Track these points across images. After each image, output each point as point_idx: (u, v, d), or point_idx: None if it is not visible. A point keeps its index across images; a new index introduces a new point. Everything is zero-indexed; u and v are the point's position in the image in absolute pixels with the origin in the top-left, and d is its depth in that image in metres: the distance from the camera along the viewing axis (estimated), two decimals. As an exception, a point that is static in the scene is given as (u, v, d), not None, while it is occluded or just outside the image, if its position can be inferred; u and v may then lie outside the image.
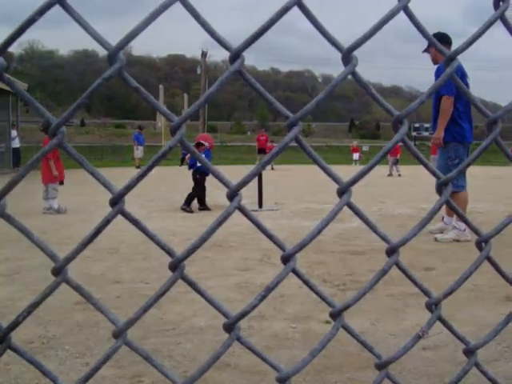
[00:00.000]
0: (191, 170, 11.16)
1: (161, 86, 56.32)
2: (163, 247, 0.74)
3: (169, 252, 0.74)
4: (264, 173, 10.54)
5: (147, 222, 8.57)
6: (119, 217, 0.75)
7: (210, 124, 71.01)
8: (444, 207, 7.12)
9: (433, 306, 0.91)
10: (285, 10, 0.69)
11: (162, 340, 3.38)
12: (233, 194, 0.72)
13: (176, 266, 0.74)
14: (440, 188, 0.88)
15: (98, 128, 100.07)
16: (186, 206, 10.64)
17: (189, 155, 12.37)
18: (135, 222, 0.72)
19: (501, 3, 0.84)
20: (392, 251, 0.85)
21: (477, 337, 3.43)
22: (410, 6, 0.80)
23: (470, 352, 0.97)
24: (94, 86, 0.65)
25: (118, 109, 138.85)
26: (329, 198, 12.50)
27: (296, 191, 15.15)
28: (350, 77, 0.78)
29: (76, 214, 9.96)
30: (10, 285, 4.75)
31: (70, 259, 0.69)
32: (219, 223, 0.73)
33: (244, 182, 0.73)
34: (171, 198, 13.15)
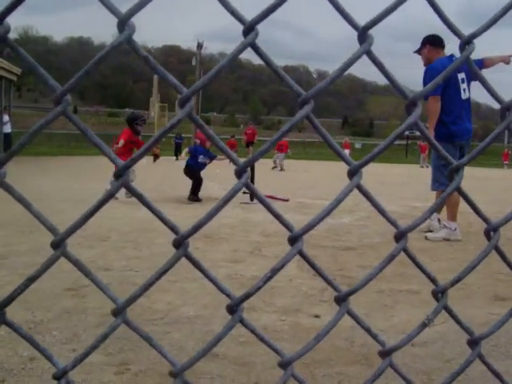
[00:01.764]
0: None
1: (155, 77, 56.23)
2: (167, 223, 0.72)
3: (172, 228, 0.72)
4: (258, 168, 10.51)
5: (137, 211, 8.56)
6: (110, 205, 0.73)
7: (203, 116, 70.91)
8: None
9: (439, 294, 0.89)
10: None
11: (151, 329, 3.36)
12: (241, 171, 0.70)
13: (180, 243, 0.72)
14: (451, 174, 0.86)
15: (90, 116, 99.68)
16: (194, 196, 10.75)
17: (187, 149, 12.45)
18: (139, 196, 0.70)
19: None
20: (401, 236, 0.84)
21: (467, 335, 3.43)
22: (410, 8, 0.78)
23: (474, 342, 0.96)
24: (102, 54, 0.63)
25: (112, 97, 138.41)
26: (320, 193, 12.51)
27: (288, 186, 15.14)
28: (345, 73, 0.76)
29: (67, 201, 9.91)
30: (-2, 269, 4.72)
31: (70, 232, 0.67)
32: (226, 201, 0.71)
33: (253, 160, 0.71)
34: (161, 188, 13.13)
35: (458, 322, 0.92)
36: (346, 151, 47.78)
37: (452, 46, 7.87)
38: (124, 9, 0.65)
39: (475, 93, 7.66)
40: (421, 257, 3.86)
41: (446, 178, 6.91)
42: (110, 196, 0.66)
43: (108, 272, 4.70)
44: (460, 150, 7.21)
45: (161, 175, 17.77)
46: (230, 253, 5.75)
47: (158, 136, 0.66)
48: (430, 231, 7.22)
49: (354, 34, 0.75)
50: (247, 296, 0.75)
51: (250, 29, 0.67)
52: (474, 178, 21.32)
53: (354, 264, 5.34)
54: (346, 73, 0.77)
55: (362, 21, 0.74)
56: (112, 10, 0.63)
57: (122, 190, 10.22)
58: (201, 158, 11.43)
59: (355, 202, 10.63)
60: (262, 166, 22.35)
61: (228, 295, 0.77)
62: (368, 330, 0.85)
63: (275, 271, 0.75)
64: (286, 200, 11.33)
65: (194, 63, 50.73)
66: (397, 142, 60.47)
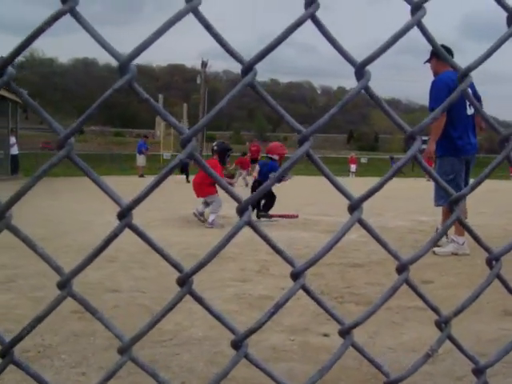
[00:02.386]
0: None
1: (160, 96, 56.53)
2: (171, 261, 0.73)
3: (176, 266, 0.73)
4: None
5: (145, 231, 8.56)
6: (114, 222, 0.74)
7: (208, 134, 71.06)
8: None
9: (442, 324, 0.90)
10: (298, 24, 0.68)
11: (160, 350, 3.36)
12: (243, 209, 0.71)
13: (184, 281, 0.73)
14: (451, 205, 0.87)
15: (96, 136, 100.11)
16: (265, 212, 10.56)
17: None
18: (143, 236, 0.71)
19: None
20: (403, 268, 0.84)
21: (476, 352, 3.39)
22: (395, 18, 0.80)
23: (479, 371, 0.96)
24: (104, 97, 0.64)
25: (118, 117, 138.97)
26: (326, 209, 12.48)
27: (293, 202, 15.11)
28: (348, 88, 0.78)
29: (73, 222, 9.93)
30: (6, 292, 4.72)
31: (75, 273, 0.68)
32: (229, 238, 0.72)
33: (254, 198, 0.72)
34: (168, 207, 13.14)
35: (463, 351, 0.92)
36: (353, 166, 47.83)
37: (458, 58, 7.85)
38: (131, 27, 0.66)
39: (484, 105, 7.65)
40: (429, 272, 3.85)
41: (456, 191, 6.88)
42: (114, 236, 0.67)
43: (116, 294, 4.70)
44: (466, 165, 7.20)
45: (167, 194, 17.81)
46: (237, 272, 5.74)
47: (160, 177, 0.67)
48: (438, 246, 7.19)
49: (359, 50, 0.76)
50: (251, 332, 0.76)
51: (248, 69, 0.69)
52: (482, 191, 21.28)
53: (361, 281, 5.33)
54: (348, 87, 0.78)
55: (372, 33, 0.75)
56: (113, 53, 0.64)
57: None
58: (272, 174, 10.90)
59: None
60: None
61: (232, 330, 0.78)
62: (372, 361, 0.85)
63: (278, 307, 0.76)
64: (296, 216, 11.27)
65: (198, 82, 50.97)
66: (402, 155, 60.34)
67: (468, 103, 7.08)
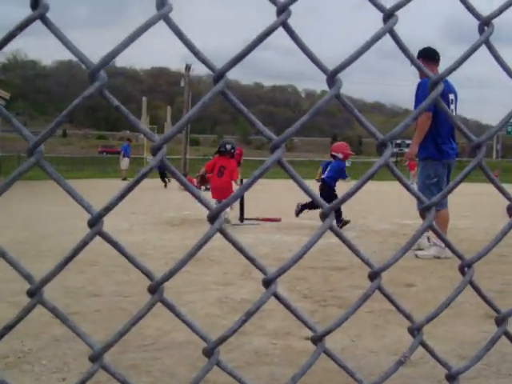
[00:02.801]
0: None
1: (144, 99, 56.40)
2: (142, 269, 0.72)
3: (147, 274, 0.73)
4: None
5: (128, 236, 8.54)
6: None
7: (192, 137, 70.99)
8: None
9: (415, 331, 0.90)
10: (270, 31, 0.68)
11: (141, 355, 3.34)
12: (214, 216, 0.71)
13: (155, 289, 0.73)
14: (424, 212, 0.87)
15: (79, 139, 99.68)
16: (339, 223, 10.14)
17: None
18: (114, 244, 0.70)
19: (485, 28, 0.84)
20: (375, 276, 0.84)
21: (458, 354, 3.43)
22: (396, 26, 0.80)
23: (451, 377, 0.96)
24: (73, 105, 0.64)
25: (101, 120, 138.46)
26: (309, 212, 12.50)
27: (276, 206, 15.12)
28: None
29: (56, 225, 9.88)
30: (-14, 297, 4.69)
31: (45, 281, 0.68)
32: (199, 247, 0.72)
33: (225, 205, 0.72)
34: (153, 210, 13.11)
35: (435, 357, 0.93)
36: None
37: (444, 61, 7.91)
38: (113, 29, 0.65)
39: (462, 108, 7.74)
40: (411, 275, 3.87)
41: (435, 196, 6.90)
42: (84, 244, 0.66)
43: (97, 298, 4.68)
44: (447, 168, 7.25)
45: (152, 197, 17.75)
46: (220, 275, 5.73)
47: (132, 184, 0.67)
48: (420, 249, 7.22)
49: (341, 53, 0.76)
50: (223, 340, 0.76)
51: (219, 76, 0.69)
52: (467, 194, 21.39)
53: (344, 284, 5.34)
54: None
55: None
56: (83, 60, 0.64)
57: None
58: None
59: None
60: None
61: (204, 338, 0.77)
62: (345, 368, 0.85)
63: (250, 315, 0.76)
64: (279, 220, 11.33)
65: (182, 85, 50.82)
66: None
67: (451, 108, 7.14)
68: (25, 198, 16.37)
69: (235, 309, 4.37)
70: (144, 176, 0.66)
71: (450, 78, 7.25)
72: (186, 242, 7.99)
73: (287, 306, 0.79)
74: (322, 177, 10.88)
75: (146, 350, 3.44)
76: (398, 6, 0.76)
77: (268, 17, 0.73)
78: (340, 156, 10.94)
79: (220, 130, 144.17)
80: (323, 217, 0.79)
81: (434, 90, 0.83)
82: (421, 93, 7.10)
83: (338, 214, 10.09)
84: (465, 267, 0.95)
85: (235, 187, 10.61)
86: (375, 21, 0.82)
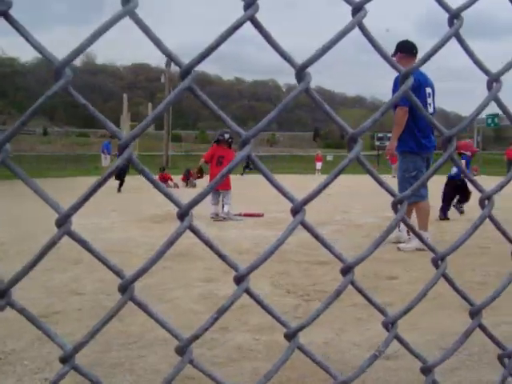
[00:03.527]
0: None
1: (125, 95, 56.02)
2: (111, 268, 0.72)
3: (118, 273, 0.72)
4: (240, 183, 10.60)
5: (110, 233, 8.50)
6: (82, 223, 0.73)
7: (174, 133, 70.73)
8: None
9: (389, 325, 0.90)
10: (236, 27, 0.67)
11: (125, 353, 3.33)
12: (184, 214, 0.70)
13: (126, 288, 0.72)
14: (395, 206, 0.87)
15: (60, 137, 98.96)
16: (443, 215, 10.75)
17: None
18: (83, 243, 0.70)
19: (455, 21, 0.84)
20: (347, 270, 0.84)
21: (441, 346, 3.45)
22: (376, 20, 0.80)
23: (427, 370, 0.96)
24: (37, 104, 0.63)
25: (82, 117, 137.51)
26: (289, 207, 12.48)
27: (260, 200, 15.11)
28: (313, 86, 0.77)
29: (37, 225, 9.80)
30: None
31: (13, 282, 0.67)
32: (169, 245, 0.71)
33: (195, 202, 0.72)
34: (135, 207, 13.06)
35: (410, 350, 0.93)
36: (318, 164, 48.10)
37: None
38: (92, 26, 0.65)
39: (443, 101, 7.82)
40: (394, 268, 3.88)
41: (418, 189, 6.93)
42: (52, 244, 0.66)
43: (80, 296, 4.65)
44: (426, 161, 7.29)
45: (134, 194, 17.68)
46: (203, 271, 5.71)
47: (98, 183, 0.66)
48: (400, 242, 7.26)
49: (317, 47, 0.75)
50: (195, 337, 0.75)
51: (186, 72, 0.68)
52: (438, 185, 21.49)
53: (327, 278, 5.35)
54: (315, 85, 0.78)
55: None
56: (49, 57, 0.63)
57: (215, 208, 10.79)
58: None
59: (326, 217, 10.68)
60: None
61: (176, 337, 0.77)
62: (319, 364, 0.85)
63: (222, 312, 0.76)
64: (261, 215, 11.41)
65: (162, 81, 50.64)
66: (368, 153, 61.49)
67: (428, 102, 7.19)
68: (5, 197, 16.25)
69: (218, 305, 4.34)
70: (110, 175, 0.65)
71: (431, 71, 7.30)
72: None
73: (259, 302, 0.79)
74: (451, 174, 11.37)
75: (129, 348, 3.42)
76: (366, 0, 0.76)
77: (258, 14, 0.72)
78: (468, 153, 11.70)
79: (203, 125, 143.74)
80: (294, 212, 0.79)
81: (404, 84, 0.83)
82: (397, 87, 7.12)
83: (465, 199, 10.89)
84: (438, 260, 0.95)
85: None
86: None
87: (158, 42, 0.66)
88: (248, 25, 0.72)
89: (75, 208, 0.66)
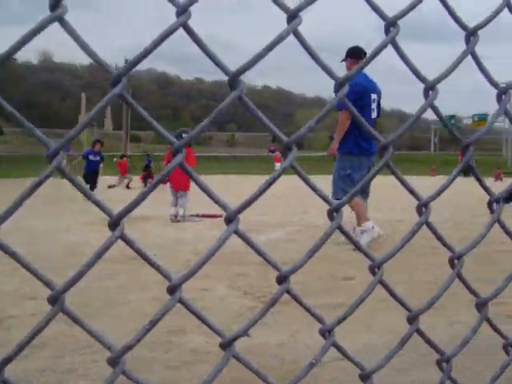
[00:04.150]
0: None
1: (83, 95, 55.50)
2: (41, 278, 0.70)
3: (47, 284, 0.71)
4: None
5: (66, 235, 8.38)
6: (34, 226, 0.71)
7: (133, 133, 70.20)
8: (354, 216, 7.34)
9: (326, 332, 0.90)
10: (168, 34, 0.67)
11: (79, 359, 3.28)
12: (115, 223, 0.69)
13: (56, 299, 0.71)
14: (331, 214, 0.88)
15: (17, 136, 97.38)
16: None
17: None
18: (4, 248, 0.68)
19: (391, 28, 0.85)
20: (282, 279, 0.84)
21: (388, 349, 3.47)
22: (316, 18, 0.80)
23: (365, 376, 0.97)
24: (96, 109, 0.62)
25: (39, 117, 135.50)
26: (251, 207, 12.51)
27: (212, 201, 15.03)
28: (274, 87, 0.77)
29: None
30: None
31: None
32: (99, 254, 0.70)
33: (126, 211, 0.71)
34: (93, 209, 12.88)
35: (348, 357, 0.94)
36: (277, 164, 48.42)
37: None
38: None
39: (402, 103, 8.02)
40: (349, 268, 3.88)
41: (350, 187, 7.08)
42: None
43: (34, 301, 4.56)
44: (370, 166, 7.54)
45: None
46: (159, 274, 5.65)
47: (25, 194, 0.65)
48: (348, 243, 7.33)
49: (281, 47, 0.75)
50: (127, 348, 0.74)
51: (117, 81, 0.67)
52: (389, 187, 21.73)
53: (284, 280, 5.36)
54: (275, 86, 0.78)
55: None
56: (103, 64, 0.62)
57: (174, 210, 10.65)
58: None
59: (283, 218, 10.73)
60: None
61: (109, 348, 0.76)
62: (256, 372, 0.85)
63: (154, 323, 0.75)
64: (220, 216, 11.39)
65: (121, 80, 50.18)
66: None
67: (372, 107, 7.39)
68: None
69: (175, 307, 4.33)
70: (38, 186, 0.64)
71: (384, 73, 7.44)
72: (120, 242, 7.75)
73: (194, 312, 0.78)
74: None
75: (83, 354, 3.37)
76: (301, 7, 0.76)
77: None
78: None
79: (162, 125, 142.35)
80: (228, 221, 0.78)
81: (340, 91, 0.83)
82: (336, 92, 7.33)
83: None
84: (375, 268, 0.96)
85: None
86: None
87: (88, 51, 0.65)
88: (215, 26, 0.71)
89: (3, 218, 0.65)
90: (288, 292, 0.84)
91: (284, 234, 8.74)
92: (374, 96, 7.40)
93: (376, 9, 0.84)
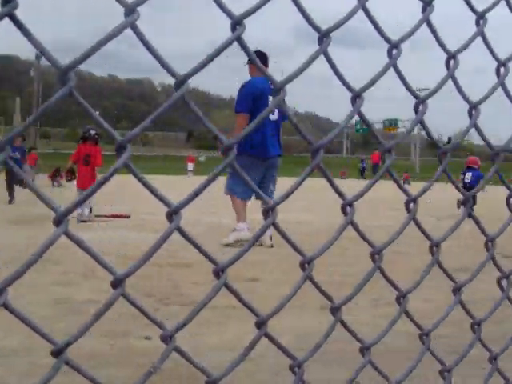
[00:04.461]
0: None
1: (17, 99, 53.47)
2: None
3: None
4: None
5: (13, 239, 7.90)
6: None
7: (42, 130, 68.16)
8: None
9: (168, 338, 0.93)
10: (116, 33, 0.68)
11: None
12: (60, 220, 0.69)
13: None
14: (266, 213, 0.91)
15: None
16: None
17: None
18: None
19: (324, 39, 0.90)
20: (117, 283, 0.85)
21: (297, 347, 3.49)
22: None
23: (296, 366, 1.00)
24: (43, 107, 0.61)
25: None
26: (159, 208, 12.40)
27: (126, 201, 14.82)
28: (191, 87, 0.80)
29: None
30: None
31: None
32: (39, 255, 0.70)
33: (71, 209, 0.71)
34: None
35: (283, 349, 0.97)
36: (190, 165, 48.33)
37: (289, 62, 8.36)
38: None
39: (316, 107, 8.28)
40: (255, 270, 3.92)
41: (238, 185, 7.59)
42: None
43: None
44: (267, 169, 8.00)
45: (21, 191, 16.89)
46: (59, 276, 5.34)
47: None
48: (261, 245, 7.38)
49: (194, 46, 0.78)
50: (74, 340, 0.75)
51: (64, 74, 0.68)
52: (313, 190, 22.11)
53: (188, 281, 5.28)
54: (193, 86, 0.80)
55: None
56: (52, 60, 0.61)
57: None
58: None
59: (193, 217, 10.68)
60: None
61: (50, 341, 0.76)
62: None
63: (98, 316, 0.76)
64: (127, 217, 11.20)
65: (32, 74, 48.82)
66: (302, 155, 65.20)
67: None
68: None
69: (73, 311, 4.12)
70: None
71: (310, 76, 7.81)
72: (31, 241, 7.35)
73: (139, 309, 0.79)
74: (466, 181, 14.15)
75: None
76: (245, 14, 0.79)
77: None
78: (476, 167, 14.76)
79: (74, 123, 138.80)
80: (170, 216, 0.80)
81: (278, 96, 0.87)
82: (240, 95, 7.92)
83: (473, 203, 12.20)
84: (305, 263, 1.01)
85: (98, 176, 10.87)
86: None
87: (40, 48, 0.65)
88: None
89: None
90: (123, 295, 0.85)
91: (194, 234, 8.70)
92: (271, 98, 7.60)
93: (309, 21, 0.89)
